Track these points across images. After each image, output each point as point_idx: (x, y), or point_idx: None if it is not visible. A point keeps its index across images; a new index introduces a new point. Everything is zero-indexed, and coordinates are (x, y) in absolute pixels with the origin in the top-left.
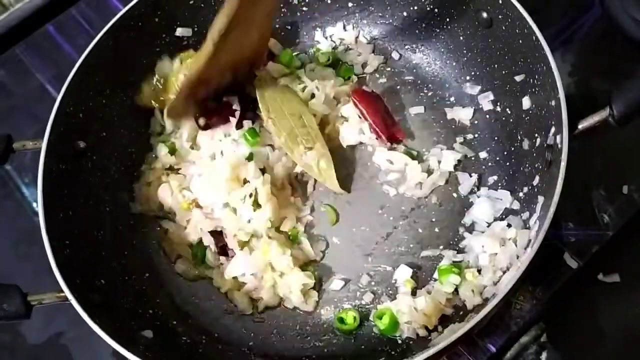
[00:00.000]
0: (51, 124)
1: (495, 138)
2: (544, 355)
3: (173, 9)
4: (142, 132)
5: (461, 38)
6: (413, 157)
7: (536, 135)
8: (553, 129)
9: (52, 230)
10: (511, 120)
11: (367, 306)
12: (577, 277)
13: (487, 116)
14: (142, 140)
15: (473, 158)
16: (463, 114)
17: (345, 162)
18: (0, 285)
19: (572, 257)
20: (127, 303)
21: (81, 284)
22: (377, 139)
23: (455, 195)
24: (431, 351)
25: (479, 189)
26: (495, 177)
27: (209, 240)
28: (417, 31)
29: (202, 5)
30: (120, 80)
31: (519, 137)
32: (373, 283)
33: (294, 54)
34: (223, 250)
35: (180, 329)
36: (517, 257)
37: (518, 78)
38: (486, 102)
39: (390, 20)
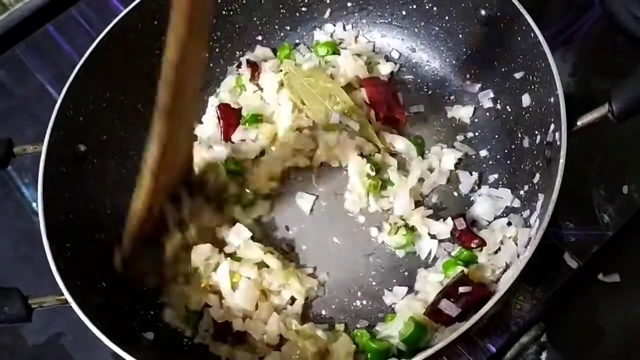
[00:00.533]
0: (51, 127)
1: (496, 136)
2: (544, 355)
3: None
4: (141, 134)
5: (460, 36)
6: (418, 147)
7: (536, 132)
8: (552, 126)
9: (53, 233)
10: (511, 117)
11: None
12: (577, 277)
13: (487, 114)
14: (141, 143)
15: (474, 156)
16: (463, 112)
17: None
18: (1, 289)
19: (572, 257)
20: (128, 305)
21: (82, 287)
22: (377, 121)
23: (455, 194)
24: (430, 351)
25: (479, 187)
26: (495, 175)
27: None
28: (416, 30)
29: None
30: (120, 83)
31: (519, 135)
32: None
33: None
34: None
35: (182, 330)
36: (518, 255)
37: (517, 75)
38: (486, 100)
39: (389, 20)
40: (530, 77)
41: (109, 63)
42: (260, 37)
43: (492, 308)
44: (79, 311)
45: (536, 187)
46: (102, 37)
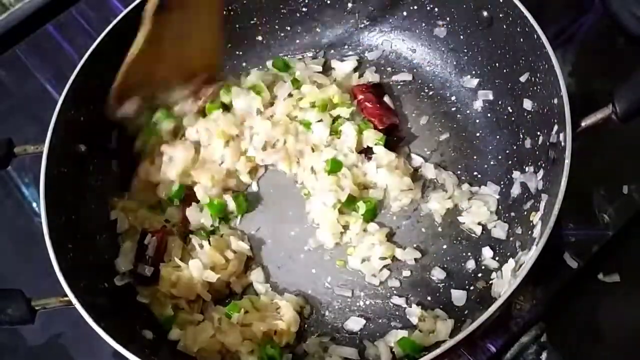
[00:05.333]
0: (52, 128)
1: (497, 137)
2: (544, 355)
3: None
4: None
5: (462, 37)
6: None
7: (538, 133)
8: (556, 127)
9: (55, 235)
10: (513, 119)
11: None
12: (577, 277)
13: (489, 115)
14: None
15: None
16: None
17: None
18: (5, 290)
19: (572, 257)
20: (132, 307)
21: (85, 288)
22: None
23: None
24: (431, 356)
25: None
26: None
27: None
28: (417, 31)
29: None
30: None
31: (521, 136)
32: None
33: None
34: None
35: None
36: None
37: (519, 77)
38: (487, 100)
39: (390, 20)
40: (533, 78)
41: (110, 63)
42: (260, 38)
43: (496, 311)
44: (83, 312)
45: (539, 188)
46: (103, 38)
